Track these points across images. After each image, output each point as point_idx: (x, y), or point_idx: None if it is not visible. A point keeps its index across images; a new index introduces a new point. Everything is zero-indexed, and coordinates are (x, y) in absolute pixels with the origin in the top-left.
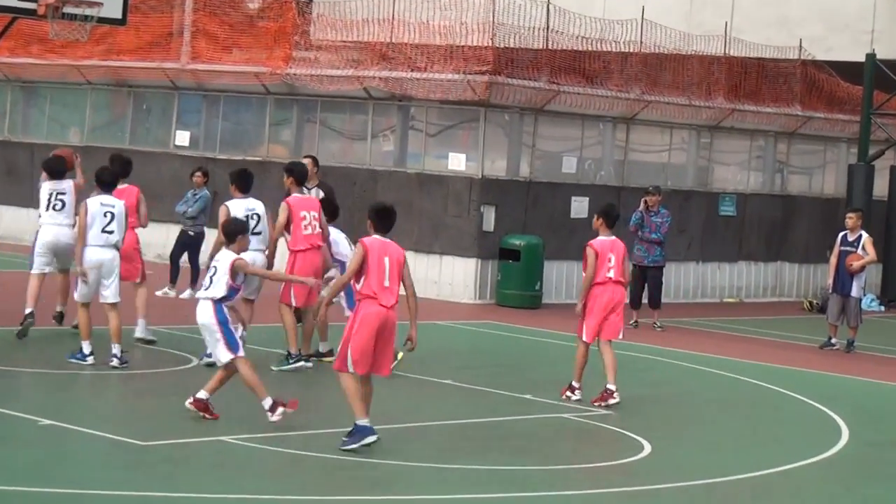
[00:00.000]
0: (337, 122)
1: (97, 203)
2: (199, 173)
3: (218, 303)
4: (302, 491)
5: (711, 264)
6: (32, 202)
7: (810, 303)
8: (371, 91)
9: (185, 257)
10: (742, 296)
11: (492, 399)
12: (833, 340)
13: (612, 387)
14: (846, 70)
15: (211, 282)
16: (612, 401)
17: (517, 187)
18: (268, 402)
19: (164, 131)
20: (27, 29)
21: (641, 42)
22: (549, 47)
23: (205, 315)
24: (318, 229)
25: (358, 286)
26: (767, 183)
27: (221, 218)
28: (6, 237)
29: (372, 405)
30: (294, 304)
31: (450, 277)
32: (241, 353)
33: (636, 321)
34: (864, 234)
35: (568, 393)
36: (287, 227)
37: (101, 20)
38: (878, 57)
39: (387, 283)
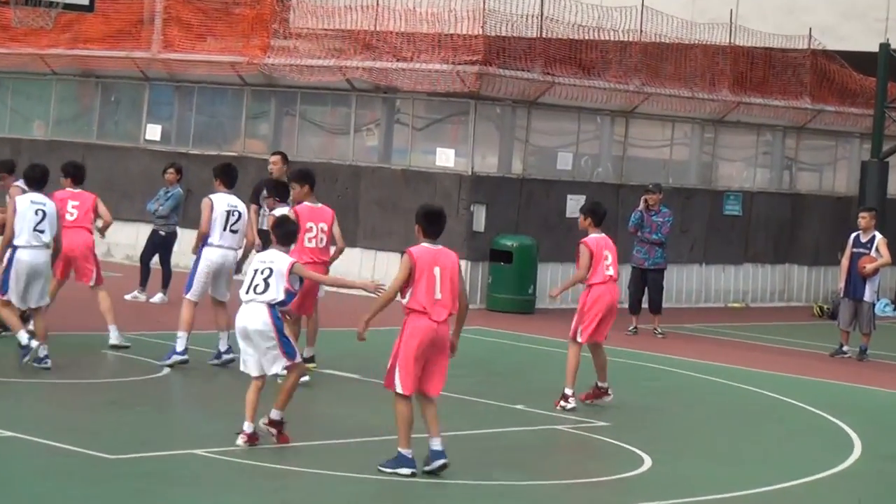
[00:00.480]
0: (317, 116)
1: (27, 201)
2: (171, 170)
3: (274, 307)
4: None
5: (715, 267)
6: None
7: (820, 308)
8: (354, 82)
9: (156, 259)
10: (748, 300)
11: (482, 409)
12: (845, 348)
13: (604, 384)
14: (859, 60)
15: (266, 285)
16: (607, 398)
17: (509, 185)
18: (276, 414)
19: (133, 125)
20: None
21: (641, 30)
22: (544, 36)
23: (258, 320)
24: (323, 243)
25: (403, 300)
26: (775, 180)
27: (205, 212)
28: None
29: (355, 414)
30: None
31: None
32: (300, 358)
33: (636, 327)
34: (878, 235)
35: (562, 403)
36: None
37: (67, 6)
38: (893, 46)
39: (438, 296)
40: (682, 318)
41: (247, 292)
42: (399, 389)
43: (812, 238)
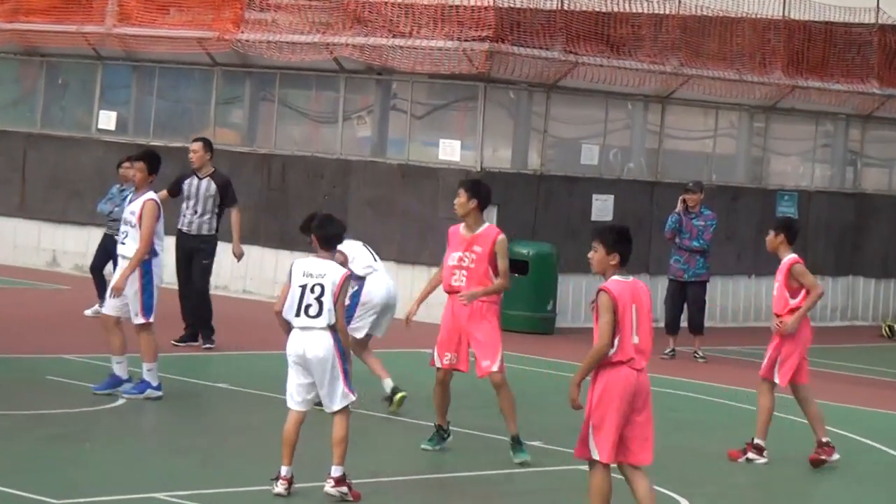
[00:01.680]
0: (300, 101)
1: None
2: (128, 164)
3: (336, 330)
4: None
5: (766, 279)
6: None
7: (890, 328)
8: (342, 62)
9: (108, 268)
10: None
11: (493, 446)
12: None
13: (826, 438)
14: None
15: (320, 305)
16: (835, 455)
17: (525, 182)
18: (338, 471)
19: (84, 111)
20: None
21: (680, 2)
22: (565, 8)
23: (321, 347)
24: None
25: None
26: (836, 178)
27: (154, 218)
28: None
29: (348, 454)
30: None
31: (441, 295)
32: (356, 396)
33: (673, 349)
34: None
35: (750, 455)
36: None
37: None
38: None
39: (636, 340)
40: (727, 339)
41: (297, 315)
42: (595, 455)
43: (880, 246)
